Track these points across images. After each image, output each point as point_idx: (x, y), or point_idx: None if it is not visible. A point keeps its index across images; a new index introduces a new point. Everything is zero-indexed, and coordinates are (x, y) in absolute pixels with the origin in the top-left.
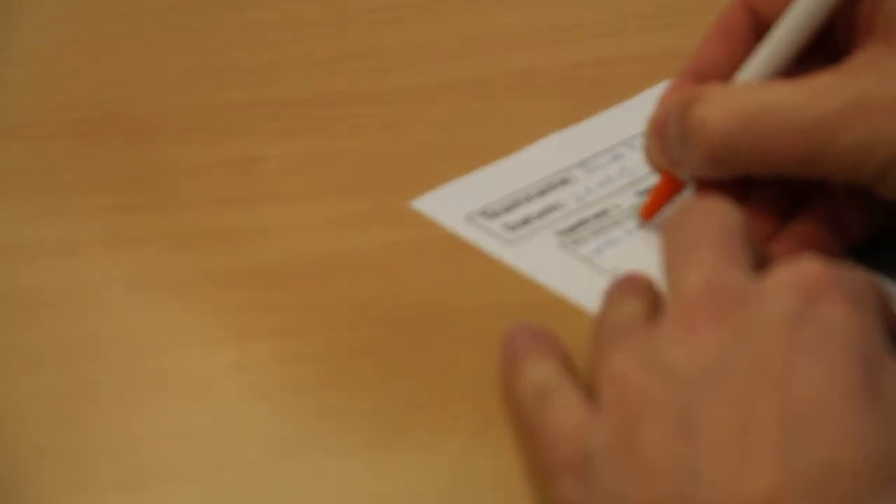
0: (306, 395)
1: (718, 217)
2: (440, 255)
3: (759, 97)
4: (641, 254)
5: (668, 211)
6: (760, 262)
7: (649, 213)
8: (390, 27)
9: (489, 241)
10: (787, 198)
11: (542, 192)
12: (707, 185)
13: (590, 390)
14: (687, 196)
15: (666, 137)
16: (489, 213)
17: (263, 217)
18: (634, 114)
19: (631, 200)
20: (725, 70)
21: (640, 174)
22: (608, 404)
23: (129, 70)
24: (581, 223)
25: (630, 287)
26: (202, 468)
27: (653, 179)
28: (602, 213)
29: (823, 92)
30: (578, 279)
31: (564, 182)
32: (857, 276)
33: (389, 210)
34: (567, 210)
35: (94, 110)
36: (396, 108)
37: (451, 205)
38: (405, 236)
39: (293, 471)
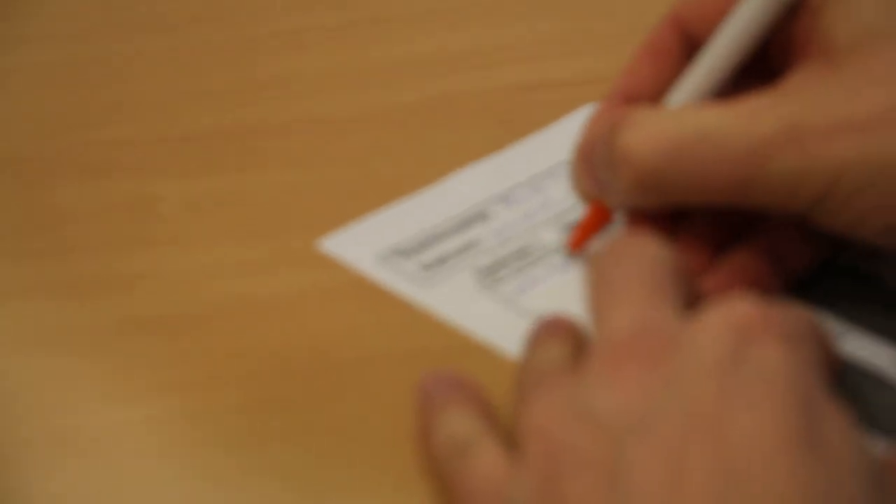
0: (212, 453)
1: (647, 254)
2: (352, 300)
3: (688, 122)
4: (566, 293)
5: (597, 243)
6: (692, 301)
7: (577, 244)
8: (295, 54)
9: (403, 282)
10: (723, 229)
11: (460, 229)
12: (637, 216)
13: (512, 441)
14: (616, 227)
15: (592, 164)
16: (402, 252)
17: (163, 262)
18: (556, 141)
19: (554, 235)
20: (655, 91)
21: (563, 207)
22: (531, 457)
23: (13, 107)
24: (501, 261)
25: (553, 330)
26: None
27: (577, 212)
28: (523, 250)
29: (755, 116)
30: (499, 321)
31: (483, 217)
32: (791, 315)
33: (297, 252)
34: (486, 246)
35: None
36: (303, 142)
37: (361, 244)
38: (315, 280)
39: None
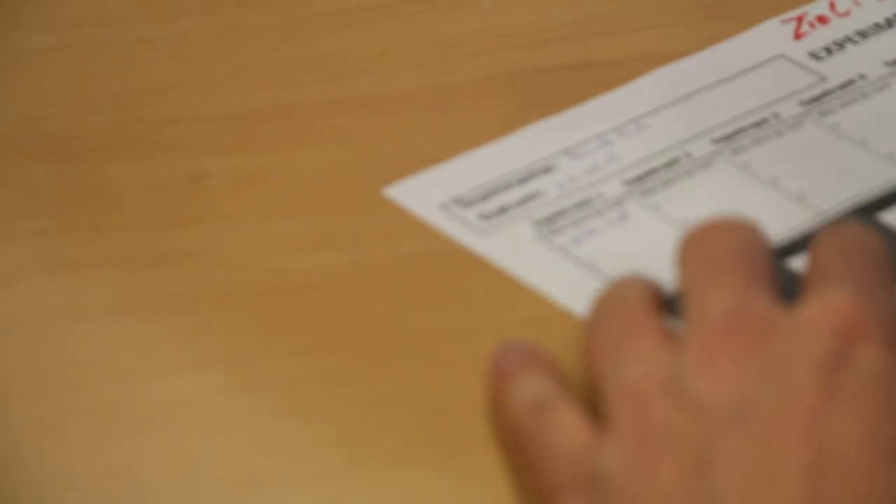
0: (260, 427)
1: (745, 237)
2: (399, 275)
3: None
4: (621, 245)
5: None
6: (787, 283)
7: None
8: (342, 33)
9: (463, 230)
10: None
11: (523, 180)
12: None
13: (591, 407)
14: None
15: None
16: (464, 201)
17: (213, 238)
18: (625, 101)
19: (616, 189)
20: None
21: (629, 161)
22: (622, 423)
23: (60, 85)
24: (560, 212)
25: (634, 276)
26: None
27: (643, 167)
28: (584, 203)
29: None
30: (552, 271)
31: (547, 169)
32: (891, 311)
33: (345, 229)
34: (547, 198)
35: (25, 128)
36: (350, 120)
37: (425, 193)
38: (364, 256)
39: None
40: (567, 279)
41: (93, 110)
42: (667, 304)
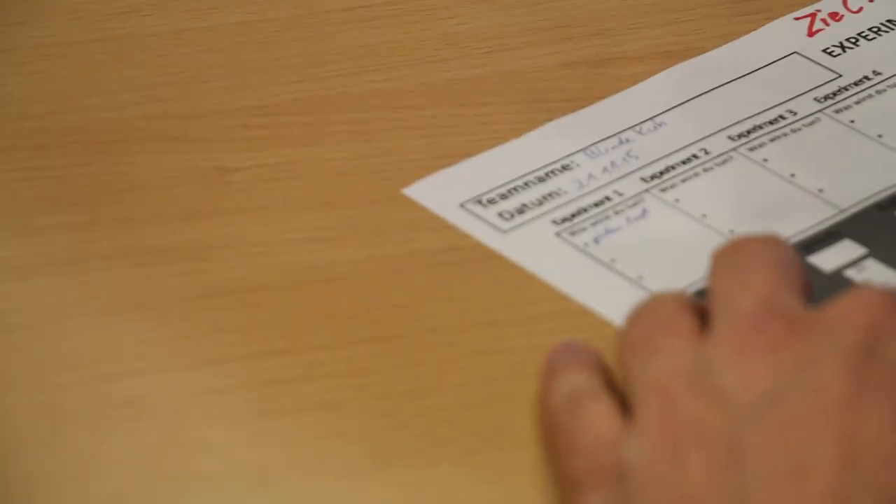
0: (283, 419)
1: (775, 247)
2: (423, 270)
3: None
4: (641, 243)
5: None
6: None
7: None
8: (366, 27)
9: (483, 228)
10: None
11: (542, 179)
12: None
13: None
14: None
15: None
16: (484, 201)
17: (237, 231)
18: (643, 98)
19: (635, 188)
20: None
21: (648, 159)
22: (648, 417)
23: (87, 78)
24: (579, 211)
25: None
26: (175, 498)
27: (661, 165)
28: (603, 201)
29: None
30: (573, 269)
31: (566, 168)
32: None
33: (368, 223)
34: (567, 198)
35: (52, 121)
36: (375, 114)
37: (444, 192)
38: (387, 250)
39: (271, 499)
40: (587, 277)
41: (119, 104)
42: (701, 311)
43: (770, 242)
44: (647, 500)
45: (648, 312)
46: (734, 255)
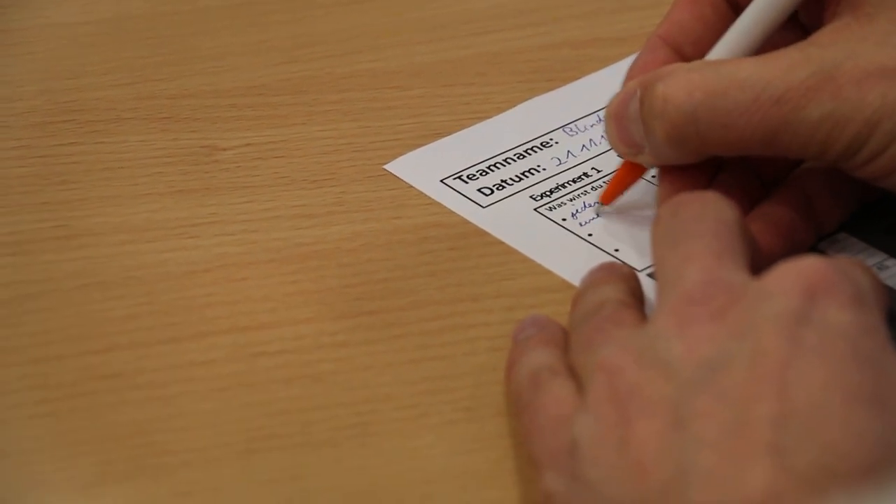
0: (269, 390)
1: (714, 211)
2: (407, 246)
3: (724, 72)
4: (617, 218)
5: (628, 196)
6: (755, 258)
7: (608, 198)
8: (353, 10)
9: (463, 204)
10: (754, 184)
11: (521, 156)
12: (671, 172)
13: None
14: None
15: (627, 121)
16: (465, 177)
17: (224, 209)
18: (621, 78)
19: (613, 164)
20: (695, 32)
21: None
22: (596, 395)
23: (79, 58)
24: (557, 187)
25: (610, 273)
26: (163, 472)
27: None
28: (581, 177)
29: (790, 64)
30: (551, 244)
31: (545, 145)
32: (859, 273)
33: (354, 199)
34: (546, 174)
35: (45, 100)
36: (361, 94)
37: (424, 167)
38: (372, 226)
39: (257, 469)
40: (565, 251)
41: (111, 83)
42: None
43: (709, 203)
44: (596, 471)
45: (591, 315)
46: (674, 222)
